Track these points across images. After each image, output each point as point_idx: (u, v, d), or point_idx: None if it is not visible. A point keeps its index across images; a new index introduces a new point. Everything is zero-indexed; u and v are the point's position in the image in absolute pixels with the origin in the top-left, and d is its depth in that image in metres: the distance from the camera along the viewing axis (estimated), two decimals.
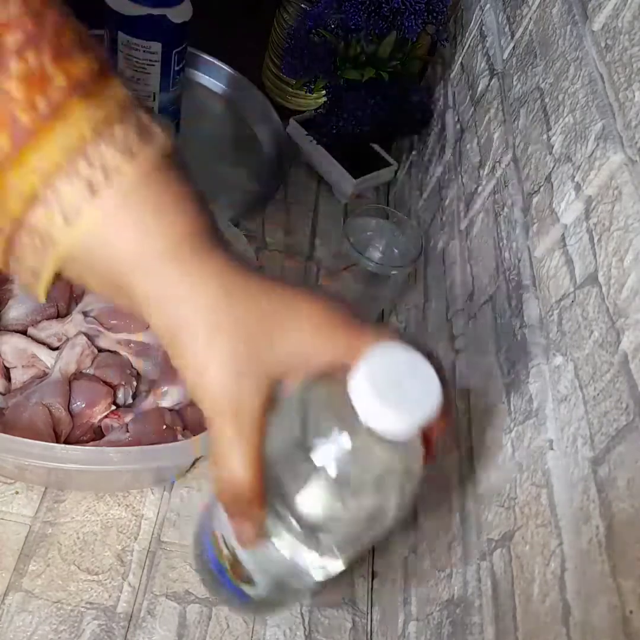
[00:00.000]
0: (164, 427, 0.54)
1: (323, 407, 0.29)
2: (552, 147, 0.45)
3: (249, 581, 0.34)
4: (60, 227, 0.29)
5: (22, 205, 0.29)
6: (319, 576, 0.33)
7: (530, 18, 0.55)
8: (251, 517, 0.31)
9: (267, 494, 0.30)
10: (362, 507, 0.29)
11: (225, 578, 0.35)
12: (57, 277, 0.32)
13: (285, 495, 0.29)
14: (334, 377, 0.29)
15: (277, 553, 0.31)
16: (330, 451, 0.28)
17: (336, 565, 0.33)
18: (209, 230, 0.31)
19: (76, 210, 0.29)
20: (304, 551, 0.31)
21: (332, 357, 0.30)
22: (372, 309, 0.68)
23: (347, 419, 0.28)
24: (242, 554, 0.33)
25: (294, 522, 0.29)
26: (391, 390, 0.27)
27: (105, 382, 0.57)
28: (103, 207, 0.29)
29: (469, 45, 0.70)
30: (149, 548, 0.54)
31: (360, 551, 0.33)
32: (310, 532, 0.30)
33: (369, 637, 0.54)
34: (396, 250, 0.65)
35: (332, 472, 0.28)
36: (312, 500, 0.29)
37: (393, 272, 0.62)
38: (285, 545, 0.31)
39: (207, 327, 0.29)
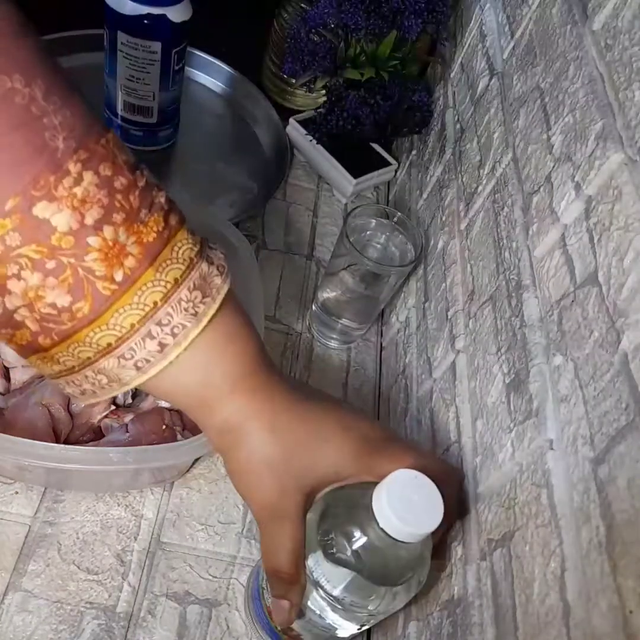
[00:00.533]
0: (164, 427, 0.54)
1: (349, 515, 0.39)
2: (552, 146, 0.45)
3: (296, 636, 0.44)
4: (131, 374, 0.33)
5: (94, 354, 0.33)
6: (352, 632, 0.43)
7: (530, 18, 0.55)
8: (289, 598, 0.39)
9: (316, 587, 0.39)
10: (387, 590, 0.39)
11: (275, 636, 0.47)
12: None
13: (328, 589, 0.39)
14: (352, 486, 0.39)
15: (322, 621, 0.41)
16: (358, 550, 0.38)
17: (368, 625, 0.43)
18: (261, 363, 0.37)
19: (147, 362, 0.33)
20: (343, 621, 0.41)
21: (356, 474, 0.39)
22: (371, 308, 0.68)
23: (370, 525, 0.37)
24: (294, 623, 0.42)
25: (338, 607, 0.39)
26: (405, 508, 0.36)
27: None
28: (176, 353, 0.33)
29: (469, 45, 0.70)
30: (149, 548, 0.54)
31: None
32: (348, 610, 0.39)
33: (368, 637, 0.54)
34: (396, 250, 0.65)
35: (361, 566, 0.38)
36: (344, 587, 0.38)
37: (393, 272, 0.62)
38: (329, 616, 0.41)
39: (260, 451, 0.36)
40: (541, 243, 0.43)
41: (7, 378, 0.56)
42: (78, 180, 0.30)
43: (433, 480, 0.38)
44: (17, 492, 0.54)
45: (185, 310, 0.33)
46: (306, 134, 0.81)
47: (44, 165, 0.29)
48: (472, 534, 0.43)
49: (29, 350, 0.34)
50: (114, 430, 0.55)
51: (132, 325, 0.32)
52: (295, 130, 0.87)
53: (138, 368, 0.33)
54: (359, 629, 0.43)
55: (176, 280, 0.33)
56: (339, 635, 0.43)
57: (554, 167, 0.44)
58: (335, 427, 0.39)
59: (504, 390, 0.43)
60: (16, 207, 0.28)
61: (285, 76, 0.78)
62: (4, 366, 0.56)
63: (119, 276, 0.31)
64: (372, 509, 0.37)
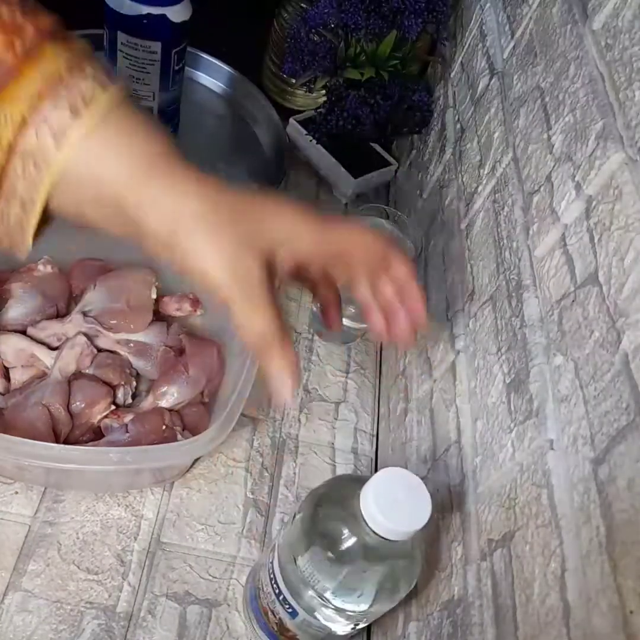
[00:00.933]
0: (164, 427, 0.54)
1: (337, 515, 0.40)
2: (553, 146, 0.45)
3: (293, 637, 0.45)
4: (50, 148, 0.33)
5: (13, 131, 0.32)
6: (346, 631, 0.44)
7: (531, 17, 0.55)
8: (284, 359, 0.37)
9: (307, 587, 0.40)
10: (378, 589, 0.39)
11: (273, 636, 0.48)
12: (46, 222, 0.37)
13: (320, 589, 0.39)
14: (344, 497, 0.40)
15: (316, 621, 0.42)
16: (347, 549, 0.38)
17: (363, 624, 0.43)
18: (176, 151, 0.37)
19: (63, 130, 0.32)
20: (336, 620, 0.41)
21: (309, 241, 0.38)
22: None
23: (358, 525, 0.37)
24: (288, 622, 0.44)
25: (330, 606, 0.40)
26: (392, 506, 0.36)
27: (105, 382, 0.57)
28: (86, 126, 0.33)
29: (469, 45, 0.70)
30: (149, 548, 0.54)
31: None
32: (340, 609, 0.40)
33: (368, 636, 0.54)
34: None
35: (351, 565, 0.38)
36: (335, 587, 0.39)
37: None
38: (321, 616, 0.41)
39: (202, 224, 0.35)
40: (541, 243, 0.43)
41: (7, 378, 0.56)
42: None
43: (385, 242, 0.39)
44: (17, 492, 0.54)
45: (92, 82, 0.34)
46: (306, 134, 0.81)
47: None
48: (472, 534, 0.43)
49: None
50: (114, 430, 0.55)
51: (42, 93, 0.32)
52: (295, 130, 0.87)
53: (55, 139, 0.33)
54: (353, 628, 0.43)
55: (78, 57, 0.34)
56: (334, 634, 0.44)
57: (554, 166, 0.44)
58: (282, 202, 0.38)
59: (504, 390, 0.43)
60: None
61: (285, 76, 0.78)
62: (4, 366, 0.56)
63: (18, 45, 0.32)
64: (359, 508, 0.37)
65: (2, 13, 0.32)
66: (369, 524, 0.37)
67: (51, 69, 0.32)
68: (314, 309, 0.72)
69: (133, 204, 0.35)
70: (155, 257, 0.38)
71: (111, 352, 0.60)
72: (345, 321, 0.69)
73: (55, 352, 0.58)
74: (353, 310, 0.67)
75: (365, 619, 0.42)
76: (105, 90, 0.34)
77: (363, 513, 0.37)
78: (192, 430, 0.56)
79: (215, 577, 0.54)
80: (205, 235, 0.35)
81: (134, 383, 0.60)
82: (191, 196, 0.35)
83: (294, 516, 0.42)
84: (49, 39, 0.33)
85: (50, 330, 0.59)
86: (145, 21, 0.66)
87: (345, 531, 0.39)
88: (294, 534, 0.41)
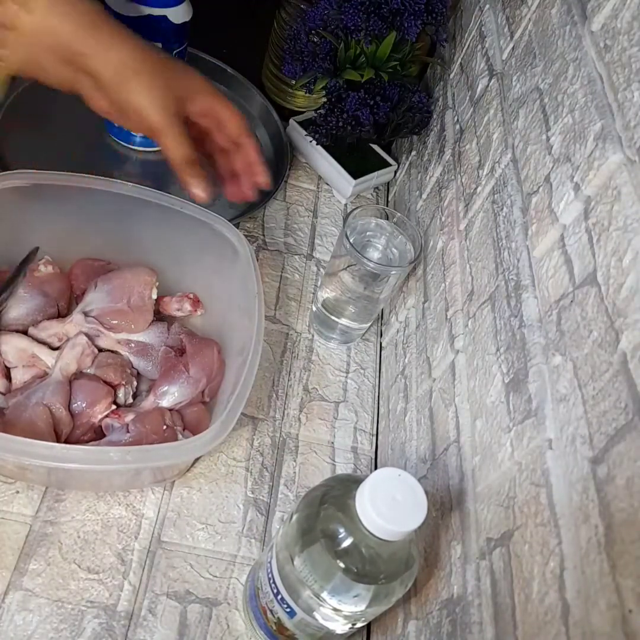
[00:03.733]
0: (164, 427, 0.55)
1: (333, 516, 0.40)
2: (551, 147, 0.45)
3: (291, 636, 0.46)
4: (18, 14, 0.45)
5: None
6: (345, 630, 0.44)
7: (530, 19, 0.55)
8: (200, 176, 0.52)
9: (305, 587, 0.40)
10: (375, 589, 0.39)
11: (272, 636, 0.48)
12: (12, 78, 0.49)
13: (316, 589, 0.40)
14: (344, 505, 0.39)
15: (313, 621, 0.42)
16: (344, 550, 0.39)
17: (360, 624, 0.43)
18: (108, 14, 0.49)
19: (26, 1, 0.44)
20: (333, 619, 0.41)
21: (205, 97, 0.53)
22: (371, 308, 0.69)
23: (354, 525, 0.37)
24: (287, 622, 0.44)
25: (327, 606, 0.40)
26: (387, 506, 0.37)
27: (106, 382, 0.57)
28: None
29: (469, 46, 0.71)
30: (150, 547, 0.54)
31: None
32: (337, 609, 0.40)
33: (368, 636, 0.54)
34: (395, 251, 0.65)
35: (347, 565, 0.38)
36: (331, 587, 0.39)
37: (392, 272, 0.62)
38: (319, 616, 0.42)
39: (140, 72, 0.48)
40: (540, 243, 0.44)
41: (8, 378, 0.57)
42: None
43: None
44: (18, 492, 0.54)
45: None
46: (306, 135, 0.81)
47: None
48: (471, 533, 0.43)
49: None
50: (115, 430, 0.55)
51: None
52: (295, 131, 0.87)
53: (25, 8, 0.44)
54: (351, 628, 0.43)
55: None
56: (333, 633, 0.44)
57: (553, 167, 0.44)
58: (187, 65, 0.54)
59: (503, 390, 0.44)
60: None
61: (285, 76, 0.78)
62: (5, 366, 0.57)
63: None
64: (355, 508, 0.37)
65: None
66: (365, 524, 0.37)
67: None
68: (314, 308, 0.73)
69: (80, 52, 0.47)
70: (95, 107, 0.50)
71: (112, 352, 0.60)
72: (344, 321, 0.69)
73: (56, 352, 0.58)
74: (353, 311, 0.67)
75: (363, 619, 0.42)
76: None
77: (359, 513, 0.37)
78: (193, 429, 0.56)
79: (216, 576, 0.54)
80: (143, 80, 0.48)
81: (135, 383, 0.60)
82: (128, 48, 0.48)
83: (291, 516, 0.43)
84: None
85: (51, 330, 0.59)
86: (145, 22, 0.66)
87: (342, 531, 0.39)
88: (291, 534, 0.42)
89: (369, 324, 0.72)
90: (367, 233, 0.65)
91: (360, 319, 0.70)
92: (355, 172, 0.83)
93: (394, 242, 0.65)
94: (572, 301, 0.38)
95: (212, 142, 0.57)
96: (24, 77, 0.49)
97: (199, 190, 0.53)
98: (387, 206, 0.87)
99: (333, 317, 0.70)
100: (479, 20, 0.68)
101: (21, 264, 0.60)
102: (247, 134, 0.56)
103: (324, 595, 0.39)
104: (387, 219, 0.65)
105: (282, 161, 0.85)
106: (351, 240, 0.61)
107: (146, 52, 0.49)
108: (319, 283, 0.76)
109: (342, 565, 0.38)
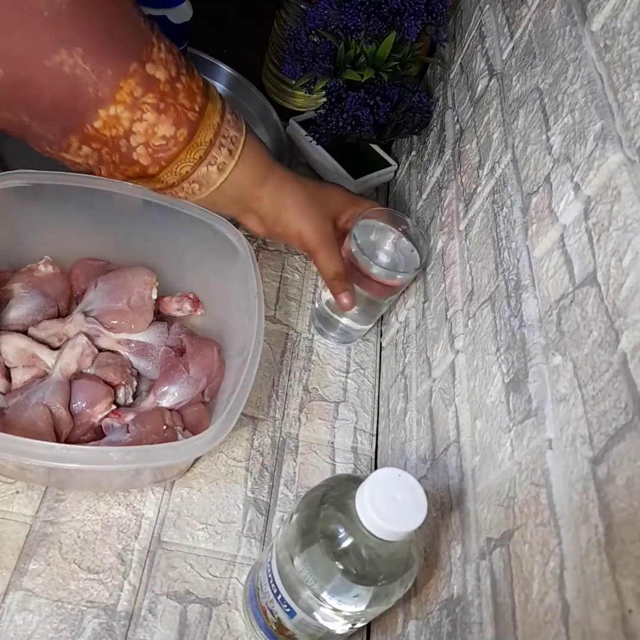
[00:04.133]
0: (165, 426, 0.55)
1: (334, 516, 0.40)
2: (551, 147, 0.45)
3: (291, 636, 0.46)
4: (214, 176, 0.53)
5: (191, 167, 0.51)
6: (344, 630, 0.44)
7: (530, 19, 0.55)
8: (347, 290, 0.62)
9: (304, 588, 0.41)
10: (375, 589, 0.39)
11: (272, 636, 0.48)
12: None
13: (316, 590, 0.40)
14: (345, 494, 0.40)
15: (313, 621, 0.42)
16: (344, 550, 0.39)
17: (360, 624, 0.43)
18: (274, 158, 0.57)
19: (223, 163, 0.52)
20: (333, 620, 0.41)
21: (351, 209, 0.63)
22: (374, 310, 0.69)
23: (354, 525, 0.38)
24: (287, 622, 0.44)
25: (327, 606, 0.40)
26: (387, 506, 0.37)
27: (106, 382, 0.57)
28: (237, 160, 0.53)
29: (469, 46, 0.71)
30: (150, 547, 0.54)
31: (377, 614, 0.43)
32: (337, 609, 0.40)
33: (368, 636, 0.54)
34: (402, 256, 0.65)
35: (347, 565, 0.38)
36: (331, 587, 0.39)
37: (398, 277, 0.62)
38: (319, 616, 0.42)
39: (298, 204, 0.57)
40: (540, 243, 0.44)
41: (8, 378, 0.57)
42: (160, 49, 0.47)
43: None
44: (18, 492, 0.54)
45: (236, 128, 0.53)
46: (306, 135, 0.81)
47: (143, 43, 0.46)
48: (471, 533, 0.43)
49: (134, 178, 0.52)
50: (115, 430, 0.55)
51: (210, 140, 0.50)
52: (295, 131, 0.87)
53: (219, 170, 0.52)
54: (351, 628, 0.43)
55: (223, 108, 0.53)
56: (333, 633, 0.44)
57: (553, 167, 0.44)
58: (334, 185, 0.65)
59: (503, 390, 0.44)
60: (135, 69, 0.45)
61: (285, 76, 0.78)
62: (5, 366, 0.57)
63: (196, 107, 0.49)
64: (355, 509, 0.37)
65: (183, 81, 0.49)
66: (365, 525, 0.37)
67: (214, 123, 0.51)
68: (317, 306, 0.72)
69: (255, 197, 0.56)
70: (252, 231, 0.60)
71: (112, 352, 0.60)
72: (345, 321, 0.69)
73: (56, 352, 0.58)
74: (356, 311, 0.67)
75: (363, 619, 0.42)
76: (241, 131, 0.53)
77: (359, 513, 0.37)
78: (193, 429, 0.56)
79: (216, 576, 0.54)
80: (300, 211, 0.58)
81: (135, 383, 0.60)
82: (290, 189, 0.57)
83: (291, 516, 0.43)
84: (206, 97, 0.51)
85: (51, 330, 0.59)
86: None
87: (342, 531, 0.39)
88: (291, 534, 0.42)
89: (370, 326, 0.72)
90: (373, 236, 0.65)
91: (362, 320, 0.70)
92: (355, 172, 0.83)
93: (400, 247, 0.65)
94: (572, 301, 0.38)
95: None
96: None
97: (347, 301, 0.62)
98: (387, 206, 0.87)
99: (335, 316, 0.70)
100: (479, 20, 0.68)
101: None
102: None
103: (324, 595, 0.39)
104: (396, 223, 0.65)
105: (282, 161, 0.84)
106: (359, 243, 0.61)
107: (304, 187, 0.58)
108: (323, 282, 0.76)
109: (341, 565, 0.38)
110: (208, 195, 0.54)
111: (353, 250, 0.61)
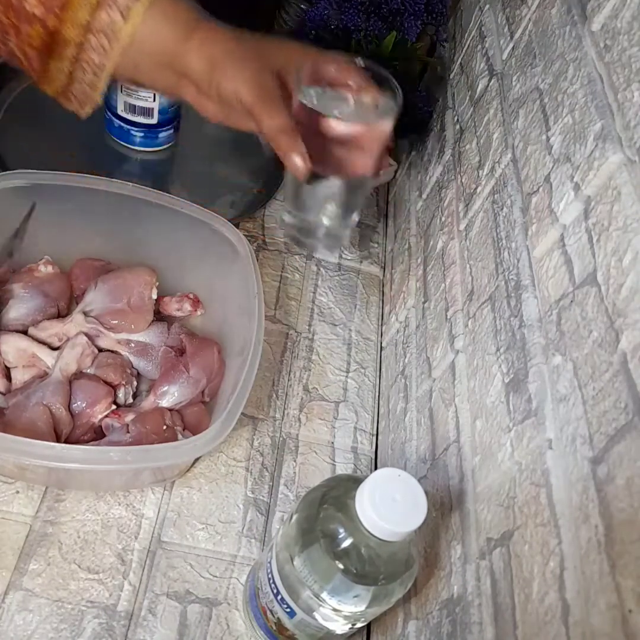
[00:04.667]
0: (164, 427, 0.55)
1: (333, 516, 0.40)
2: (551, 147, 0.45)
3: (291, 636, 0.46)
4: (119, 23, 0.46)
5: (89, 12, 0.45)
6: (344, 630, 0.44)
7: (530, 19, 0.55)
8: (296, 148, 0.47)
9: (304, 588, 0.40)
10: (374, 589, 0.39)
11: (271, 636, 0.48)
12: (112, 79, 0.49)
13: (316, 590, 0.40)
14: None
15: (313, 621, 0.42)
16: (344, 550, 0.39)
17: (360, 624, 0.43)
18: (205, 14, 0.50)
19: (127, 7, 0.45)
20: (333, 620, 0.41)
21: (306, 56, 0.50)
22: (352, 200, 0.56)
23: (354, 525, 0.38)
24: (287, 622, 0.44)
25: (327, 606, 0.40)
26: (387, 506, 0.37)
27: (106, 382, 0.57)
28: (144, 3, 0.46)
29: (468, 46, 0.71)
30: (150, 547, 0.54)
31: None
32: (336, 609, 0.40)
33: (368, 636, 0.54)
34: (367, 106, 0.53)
35: (347, 566, 0.38)
36: (331, 587, 0.39)
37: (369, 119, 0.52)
38: (318, 616, 0.42)
39: (230, 58, 0.48)
40: (540, 243, 0.44)
41: (8, 378, 0.57)
42: None
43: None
44: (18, 492, 0.54)
45: None
46: None
47: None
48: (471, 533, 0.43)
49: (44, 50, 0.46)
50: (115, 430, 0.55)
51: None
52: None
53: (123, 16, 0.45)
54: (351, 628, 0.43)
55: None
56: (333, 633, 0.44)
57: (553, 167, 0.44)
58: (283, 40, 0.53)
59: (503, 390, 0.44)
60: None
61: None
62: (5, 366, 0.57)
63: None
64: (355, 509, 0.37)
65: None
66: (365, 525, 0.37)
67: None
68: (286, 219, 0.56)
69: (179, 54, 0.48)
70: (206, 113, 0.51)
71: (112, 352, 0.60)
72: (324, 220, 0.55)
73: (56, 352, 0.58)
74: (332, 208, 0.54)
75: (363, 619, 0.42)
76: None
77: (359, 513, 0.37)
78: (193, 429, 0.56)
79: (216, 576, 0.54)
80: (234, 65, 0.48)
81: (135, 383, 0.60)
82: (220, 41, 0.49)
83: (291, 516, 0.43)
84: None
85: (51, 330, 0.59)
86: None
87: (342, 531, 0.39)
88: (291, 534, 0.42)
89: (354, 219, 0.56)
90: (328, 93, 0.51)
91: (340, 219, 0.55)
92: None
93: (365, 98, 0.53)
94: (572, 301, 0.38)
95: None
96: (128, 83, 0.51)
97: (297, 160, 0.47)
98: (387, 206, 0.87)
99: (310, 217, 0.55)
100: (479, 20, 0.68)
101: (23, 220, 0.60)
102: (369, 86, 0.53)
103: (324, 595, 0.39)
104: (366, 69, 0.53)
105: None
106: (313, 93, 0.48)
107: (238, 41, 0.49)
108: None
109: (341, 566, 0.38)
110: (124, 56, 0.47)
111: (301, 99, 0.48)
